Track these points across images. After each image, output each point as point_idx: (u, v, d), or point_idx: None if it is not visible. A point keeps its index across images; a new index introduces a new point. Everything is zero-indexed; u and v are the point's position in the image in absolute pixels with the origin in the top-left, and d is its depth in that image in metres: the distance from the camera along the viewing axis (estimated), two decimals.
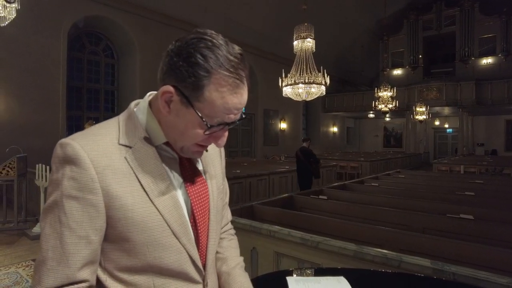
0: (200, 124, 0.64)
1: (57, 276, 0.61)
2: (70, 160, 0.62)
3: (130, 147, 0.67)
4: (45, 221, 0.63)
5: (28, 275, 3.25)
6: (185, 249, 0.70)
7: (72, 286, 0.62)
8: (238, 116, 0.66)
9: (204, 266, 0.75)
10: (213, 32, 0.64)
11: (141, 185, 0.66)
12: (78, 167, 0.61)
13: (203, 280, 0.75)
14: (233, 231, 0.98)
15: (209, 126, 0.63)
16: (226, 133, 0.70)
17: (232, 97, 0.62)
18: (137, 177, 0.66)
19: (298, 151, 6.68)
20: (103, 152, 0.64)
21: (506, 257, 1.82)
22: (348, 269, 1.19)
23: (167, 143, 0.70)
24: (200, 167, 0.79)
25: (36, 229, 4.51)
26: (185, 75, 0.61)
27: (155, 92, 0.72)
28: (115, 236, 0.65)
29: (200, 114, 0.63)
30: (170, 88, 0.63)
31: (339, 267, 1.15)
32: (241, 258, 0.92)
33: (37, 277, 0.61)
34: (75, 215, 0.61)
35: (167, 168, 0.71)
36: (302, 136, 17.94)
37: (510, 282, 1.31)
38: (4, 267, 3.43)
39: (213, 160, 0.84)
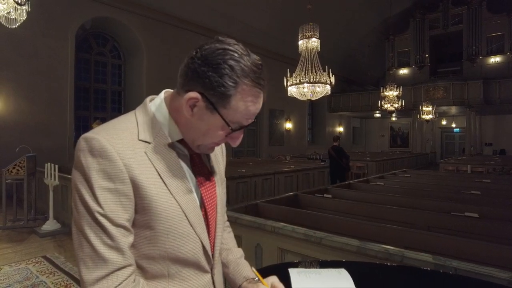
0: (223, 127, 0.70)
1: (115, 260, 0.64)
2: (97, 153, 0.64)
3: (149, 143, 0.71)
4: (81, 214, 0.64)
5: (38, 271, 3.32)
6: (199, 238, 0.75)
7: (124, 269, 0.66)
8: (253, 119, 0.73)
9: (213, 256, 0.81)
10: (234, 41, 0.69)
11: (161, 178, 0.70)
12: (106, 160, 0.64)
13: (211, 269, 0.80)
14: (228, 223, 1.05)
15: (232, 129, 0.70)
16: (242, 134, 0.76)
17: (253, 106, 0.69)
18: (157, 170, 0.70)
19: (330, 149, 7.05)
20: (126, 145, 0.67)
21: (510, 254, 1.82)
22: (350, 262, 1.21)
23: (179, 141, 0.75)
24: (207, 164, 0.84)
25: (45, 227, 4.60)
26: (214, 84, 0.65)
27: (171, 90, 0.77)
28: (139, 223, 0.69)
29: (225, 120, 0.68)
30: (197, 94, 0.67)
31: (343, 260, 1.17)
32: (241, 249, 1.00)
33: (91, 265, 0.63)
34: (110, 205, 0.64)
35: (180, 164, 0.75)
36: (307, 136, 17.93)
37: (511, 277, 1.32)
38: (15, 263, 3.51)
39: (217, 157, 0.90)
